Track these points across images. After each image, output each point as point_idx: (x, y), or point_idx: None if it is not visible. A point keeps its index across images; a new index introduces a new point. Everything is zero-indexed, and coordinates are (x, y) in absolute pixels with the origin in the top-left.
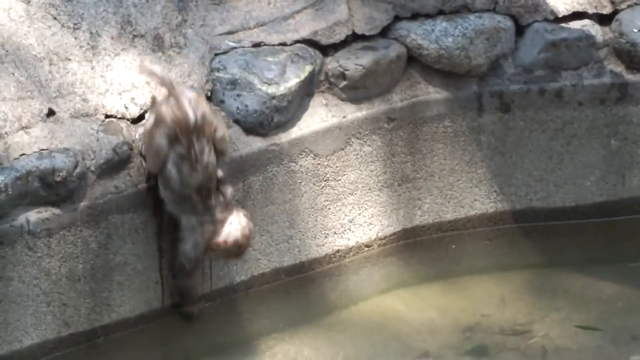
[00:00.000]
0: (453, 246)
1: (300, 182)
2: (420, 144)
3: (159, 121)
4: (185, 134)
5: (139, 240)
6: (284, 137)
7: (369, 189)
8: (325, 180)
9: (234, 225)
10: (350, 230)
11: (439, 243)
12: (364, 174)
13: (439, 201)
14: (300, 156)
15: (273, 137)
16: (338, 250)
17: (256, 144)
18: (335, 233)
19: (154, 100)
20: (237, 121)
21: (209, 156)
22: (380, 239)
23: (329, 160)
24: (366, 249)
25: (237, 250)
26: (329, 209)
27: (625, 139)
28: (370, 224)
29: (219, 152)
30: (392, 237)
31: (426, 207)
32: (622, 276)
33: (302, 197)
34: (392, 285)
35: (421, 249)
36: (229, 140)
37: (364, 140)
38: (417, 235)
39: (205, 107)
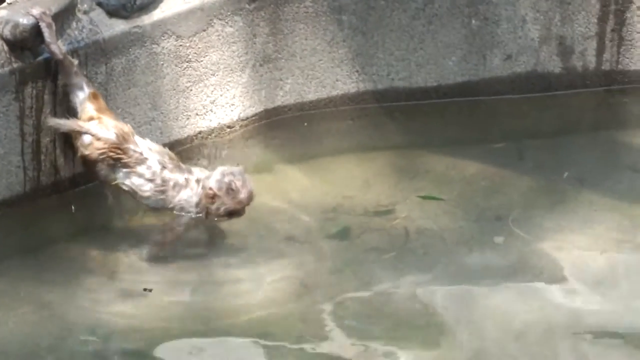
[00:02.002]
0: (305, 124)
1: (163, 64)
2: (281, 24)
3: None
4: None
5: (0, 125)
6: (147, 19)
7: (231, 70)
8: (187, 62)
9: None
10: (212, 112)
11: (301, 123)
12: (226, 54)
13: (300, 81)
14: (163, 38)
15: (136, 19)
16: (200, 132)
17: (119, 26)
18: (197, 114)
19: None
20: (100, 4)
21: None
22: (242, 120)
23: (191, 41)
24: (228, 130)
25: None
26: (191, 90)
27: (486, 18)
28: (232, 104)
29: None
30: (254, 118)
31: (288, 87)
32: (485, 156)
33: (164, 79)
34: (253, 167)
35: (283, 129)
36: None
37: (226, 21)
38: (279, 115)
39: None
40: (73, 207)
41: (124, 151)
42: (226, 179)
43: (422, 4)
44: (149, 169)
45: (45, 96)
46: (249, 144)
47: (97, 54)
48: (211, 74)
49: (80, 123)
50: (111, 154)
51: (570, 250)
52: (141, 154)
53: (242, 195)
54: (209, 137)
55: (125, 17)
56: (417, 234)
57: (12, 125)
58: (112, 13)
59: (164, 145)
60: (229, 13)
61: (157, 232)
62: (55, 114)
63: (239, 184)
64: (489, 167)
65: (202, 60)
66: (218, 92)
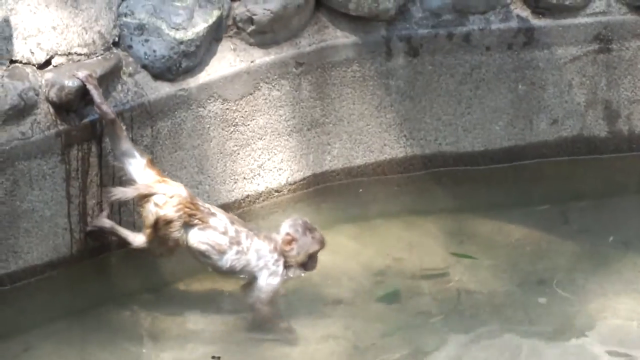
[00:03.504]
0: (360, 190)
1: (209, 127)
2: (329, 88)
3: None
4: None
5: (47, 187)
6: (192, 82)
7: (278, 134)
8: (234, 125)
9: None
10: (259, 176)
11: (349, 188)
12: (273, 118)
13: (348, 146)
14: (209, 101)
15: (181, 82)
16: (248, 196)
17: (164, 89)
18: (244, 178)
19: None
20: (145, 66)
21: None
22: (290, 184)
23: (237, 105)
24: (276, 194)
25: None
26: (238, 154)
27: (532, 83)
28: (280, 169)
29: None
30: (302, 183)
31: (335, 152)
32: (530, 220)
33: (211, 142)
34: None
35: (331, 194)
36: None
37: (273, 84)
38: (327, 180)
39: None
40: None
41: (196, 207)
42: (300, 221)
43: (469, 68)
44: (221, 222)
45: (91, 158)
46: (297, 207)
47: (142, 116)
48: (258, 138)
49: (150, 185)
50: (187, 209)
51: (615, 312)
52: (209, 209)
53: (319, 233)
54: (257, 201)
55: (170, 80)
56: (467, 297)
57: (58, 187)
58: (158, 76)
59: None
60: (275, 77)
61: (252, 313)
62: (101, 178)
63: (311, 224)
64: (534, 231)
65: (249, 124)
66: (265, 156)
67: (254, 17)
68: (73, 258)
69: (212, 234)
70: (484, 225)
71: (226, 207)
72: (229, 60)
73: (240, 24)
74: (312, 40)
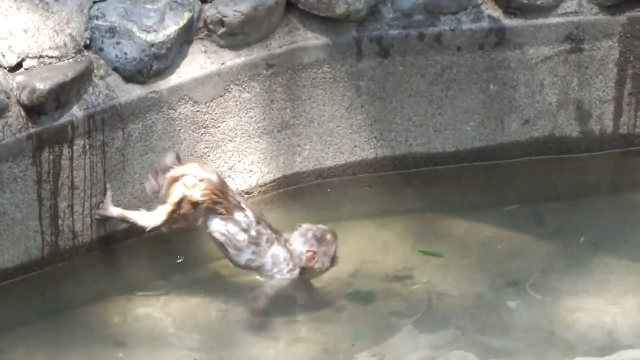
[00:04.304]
0: (329, 190)
1: (180, 130)
2: (299, 90)
3: None
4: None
5: (18, 190)
6: (164, 85)
7: (249, 136)
8: (204, 128)
9: None
10: (230, 178)
11: (320, 190)
12: (244, 121)
13: (318, 147)
14: (180, 104)
15: (152, 85)
16: None
17: (136, 92)
18: None
19: None
20: (116, 69)
21: None
22: (261, 186)
23: (208, 107)
24: (247, 196)
25: None
26: (209, 156)
27: (504, 84)
28: (251, 171)
29: None
30: (272, 184)
31: (306, 153)
32: (502, 220)
33: (182, 144)
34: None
35: (302, 195)
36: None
37: (243, 87)
38: (298, 182)
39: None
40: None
41: (224, 196)
42: (310, 234)
43: (440, 69)
44: (246, 218)
45: (63, 161)
46: (267, 209)
47: (114, 119)
48: (229, 140)
49: (183, 167)
50: (214, 196)
51: (587, 313)
52: (239, 203)
53: (328, 233)
54: None
55: (141, 83)
56: (438, 300)
57: (29, 190)
58: (129, 78)
59: None
60: (246, 79)
61: (251, 298)
62: (72, 180)
63: (321, 231)
64: (506, 232)
65: (219, 126)
66: (236, 159)
67: (224, 19)
68: (45, 261)
69: (232, 228)
70: (456, 226)
71: None
72: (199, 63)
73: (211, 26)
74: (283, 42)
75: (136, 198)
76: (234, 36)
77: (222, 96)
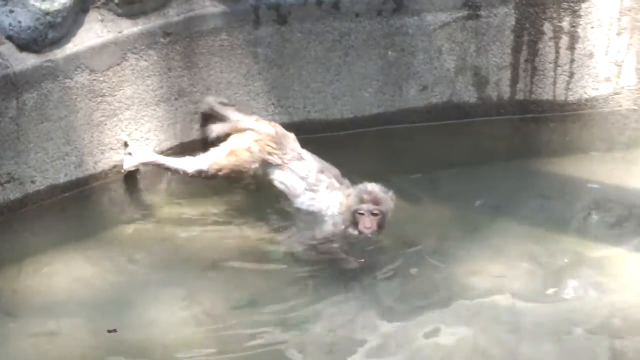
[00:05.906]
0: None
1: (76, 98)
2: (196, 57)
3: None
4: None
5: None
6: (59, 53)
7: (146, 104)
8: (101, 96)
9: None
10: (126, 146)
11: None
12: (141, 88)
13: None
14: (76, 72)
15: (48, 53)
16: (115, 166)
17: (30, 60)
18: (112, 149)
19: None
20: (10, 37)
21: None
22: (158, 153)
23: (105, 75)
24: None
25: None
26: (106, 124)
27: (402, 50)
28: (147, 138)
29: None
30: (169, 152)
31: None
32: (400, 186)
33: (78, 113)
34: (169, 199)
35: None
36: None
37: (140, 55)
38: (195, 149)
39: None
40: None
41: (280, 147)
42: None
43: (338, 36)
44: (304, 167)
45: None
46: (163, 177)
47: (7, 88)
48: (125, 108)
49: (247, 122)
50: (267, 147)
51: (484, 278)
52: (299, 154)
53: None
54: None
55: (36, 51)
56: (336, 266)
57: None
58: (23, 47)
59: (78, 180)
60: (143, 47)
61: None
62: None
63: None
64: (404, 198)
65: (116, 95)
66: (133, 126)
67: None
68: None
69: (289, 177)
70: None
71: (93, 178)
72: (96, 31)
73: None
74: (180, 10)
75: (30, 167)
76: (131, 4)
77: (118, 64)
